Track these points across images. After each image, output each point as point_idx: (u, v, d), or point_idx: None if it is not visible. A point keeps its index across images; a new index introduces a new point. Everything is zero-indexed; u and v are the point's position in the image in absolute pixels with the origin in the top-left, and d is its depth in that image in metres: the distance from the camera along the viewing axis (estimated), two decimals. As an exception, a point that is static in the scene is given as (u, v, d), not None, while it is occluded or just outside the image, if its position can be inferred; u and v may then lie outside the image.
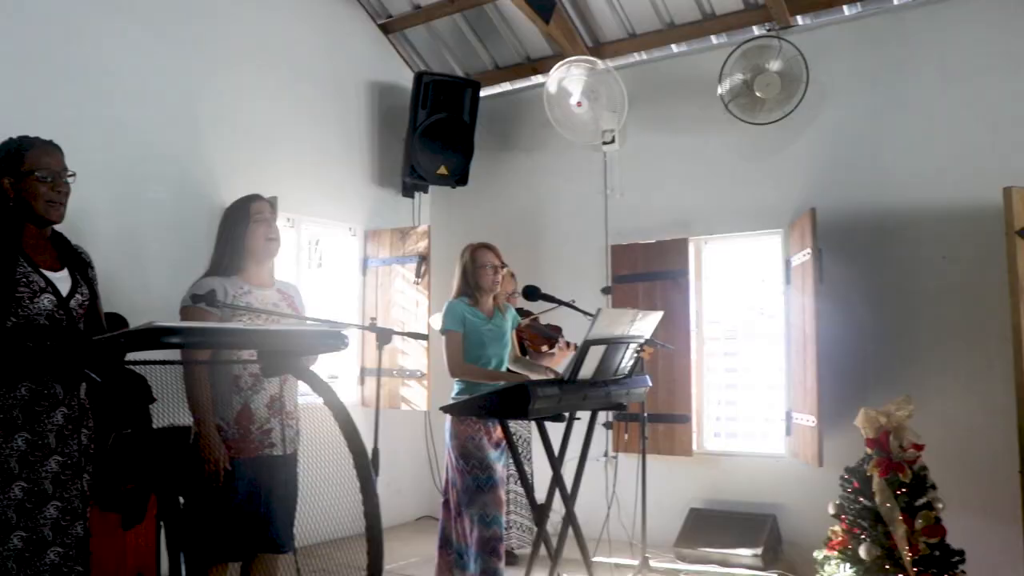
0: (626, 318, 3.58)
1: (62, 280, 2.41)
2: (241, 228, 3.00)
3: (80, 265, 2.53)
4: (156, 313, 4.44)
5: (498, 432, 3.98)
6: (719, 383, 5.52)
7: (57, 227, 2.50)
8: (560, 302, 4.11)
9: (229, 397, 2.88)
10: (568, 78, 5.42)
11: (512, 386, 3.27)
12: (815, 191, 4.96)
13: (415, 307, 5.71)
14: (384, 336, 3.06)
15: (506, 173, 6.32)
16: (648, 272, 5.44)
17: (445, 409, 3.54)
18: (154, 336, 1.95)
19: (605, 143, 5.60)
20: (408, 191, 6.34)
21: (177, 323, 2.06)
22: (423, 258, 5.71)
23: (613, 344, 3.56)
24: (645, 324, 3.75)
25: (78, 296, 2.43)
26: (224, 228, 3.05)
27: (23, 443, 2.26)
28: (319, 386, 2.43)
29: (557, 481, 3.67)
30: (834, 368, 4.64)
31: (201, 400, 2.83)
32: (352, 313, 5.97)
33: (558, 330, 4.89)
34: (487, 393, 3.35)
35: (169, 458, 2.94)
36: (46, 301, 2.32)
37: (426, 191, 6.35)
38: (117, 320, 4.18)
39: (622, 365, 3.77)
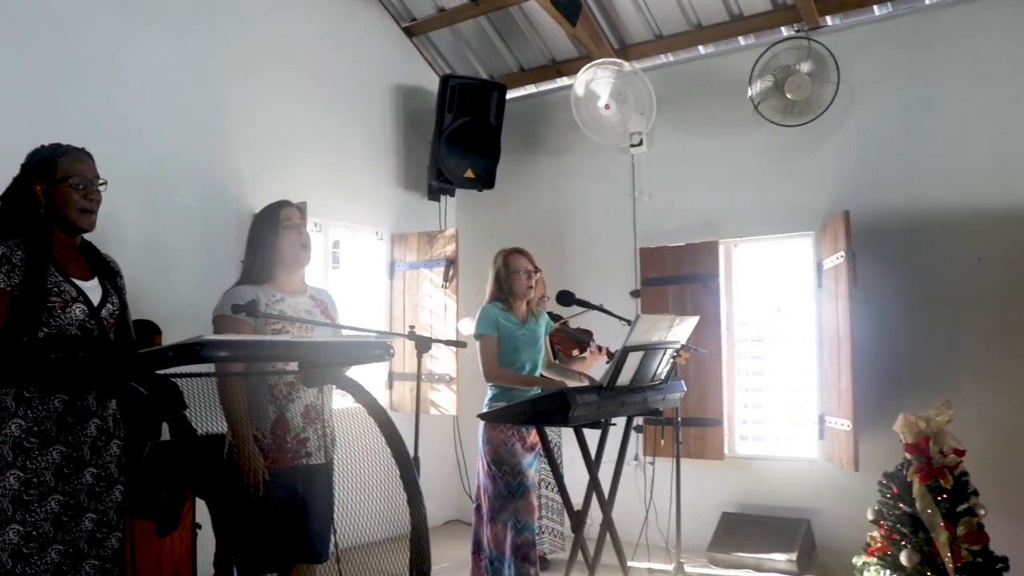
0: (664, 323, 3.57)
1: (93, 289, 2.39)
2: (271, 235, 2.97)
3: (110, 274, 2.52)
4: (184, 320, 4.50)
5: (532, 437, 3.97)
6: (749, 386, 5.48)
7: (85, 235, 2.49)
8: (594, 307, 4.09)
9: (264, 407, 2.84)
10: (595, 80, 5.39)
11: (552, 393, 3.26)
12: (847, 193, 4.92)
13: (443, 311, 5.70)
14: (424, 344, 3.04)
15: (532, 176, 6.30)
16: (678, 275, 5.41)
17: (484, 416, 3.52)
18: (203, 350, 1.97)
19: (633, 145, 5.57)
20: (434, 194, 6.33)
21: (225, 337, 2.06)
22: (451, 262, 5.70)
23: (651, 350, 3.55)
24: (682, 329, 3.73)
25: (109, 306, 2.42)
26: (254, 235, 3.02)
27: (58, 456, 2.25)
28: (362, 396, 2.44)
29: (595, 487, 3.66)
30: (868, 372, 4.61)
31: (237, 410, 2.79)
32: (379, 317, 5.98)
33: (588, 334, 4.87)
34: (527, 400, 3.33)
35: (217, 466, 2.93)
36: (78, 311, 2.31)
37: (452, 195, 6.33)
38: (148, 326, 4.19)
39: (659, 371, 3.76)
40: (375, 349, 2.41)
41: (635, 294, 5.64)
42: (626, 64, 5.38)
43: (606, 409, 3.47)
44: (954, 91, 4.71)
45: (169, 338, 4.32)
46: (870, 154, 4.92)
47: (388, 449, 2.39)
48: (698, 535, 5.02)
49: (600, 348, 4.67)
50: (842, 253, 4.50)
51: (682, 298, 5.40)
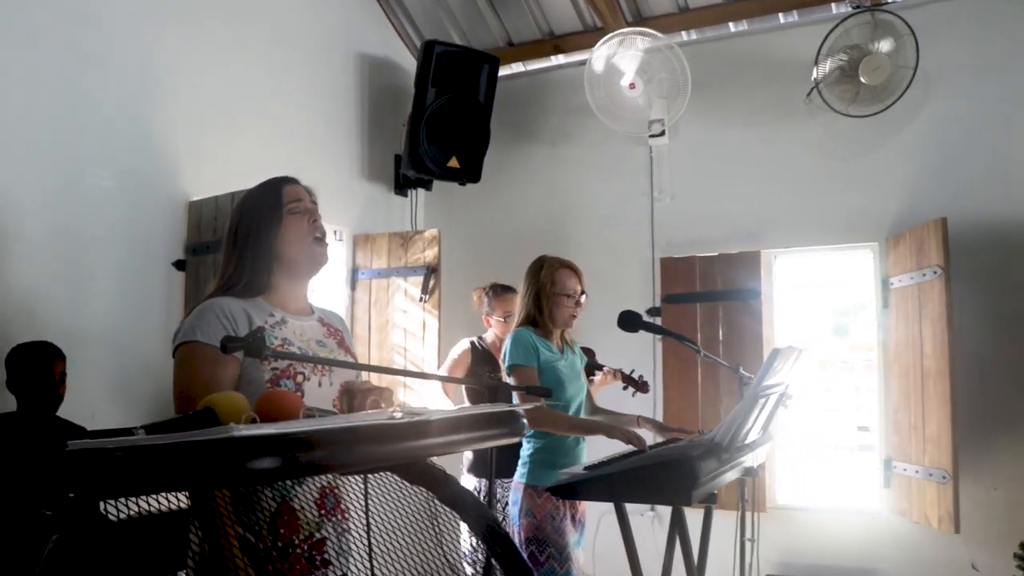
0: (792, 358, 2.67)
1: None
2: (269, 224, 1.91)
3: None
4: (97, 341, 3.25)
5: (581, 508, 3.03)
6: (794, 424, 4.64)
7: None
8: (669, 333, 3.15)
9: (257, 492, 1.76)
10: (619, 54, 4.47)
11: (673, 460, 2.28)
12: (921, 199, 4.18)
13: (421, 330, 4.63)
14: (503, 394, 2.03)
15: (521, 169, 5.31)
16: (709, 291, 4.54)
17: (559, 491, 2.47)
18: (251, 462, 0.95)
19: (653, 136, 4.68)
20: (402, 188, 5.26)
21: (279, 429, 1.00)
22: (432, 270, 4.63)
23: (773, 394, 2.66)
24: (799, 367, 2.86)
25: None
26: (241, 226, 1.94)
27: None
28: (465, 506, 1.43)
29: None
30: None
31: (215, 502, 1.69)
32: (339, 336, 4.85)
33: (591, 354, 3.98)
34: (631, 468, 2.33)
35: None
36: None
37: (429, 188, 5.27)
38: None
39: (771, 419, 2.88)
40: (506, 423, 1.40)
41: (653, 312, 4.74)
42: (659, 35, 4.47)
43: (720, 476, 2.54)
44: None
45: (80, 366, 3.11)
46: (951, 153, 4.18)
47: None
48: (743, 606, 4.14)
49: (616, 372, 3.79)
50: (937, 269, 3.73)
51: (713, 318, 4.53)
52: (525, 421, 1.46)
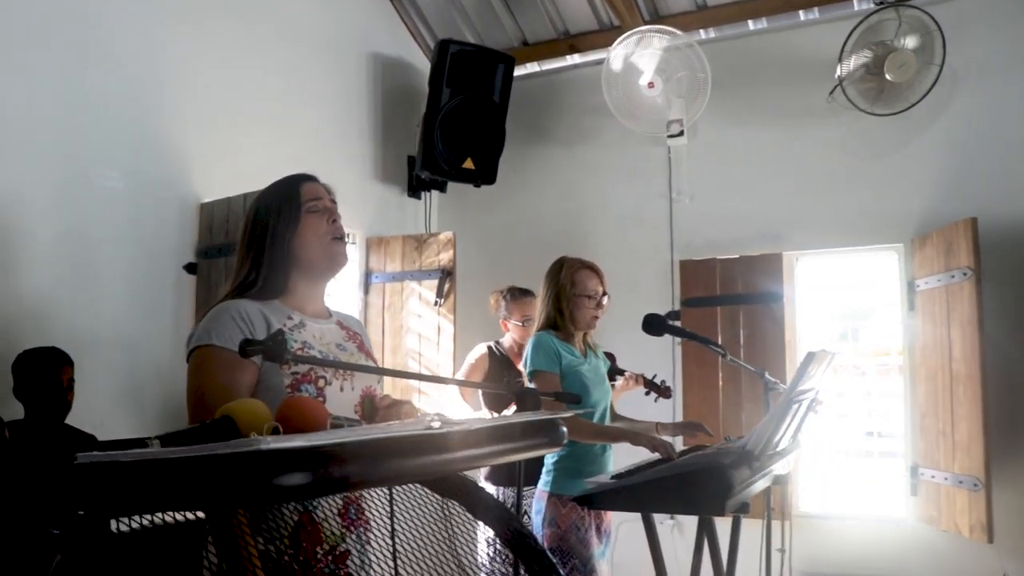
0: (825, 361, 2.58)
1: None
2: (287, 224, 1.83)
3: None
4: (106, 345, 3.18)
5: (607, 518, 2.94)
6: (816, 429, 4.54)
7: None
8: (695, 337, 3.06)
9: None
10: (637, 53, 4.39)
11: (703, 469, 2.19)
12: (947, 199, 4.07)
13: (436, 335, 4.54)
14: (532, 402, 1.95)
15: (536, 171, 5.22)
16: (730, 294, 4.44)
17: (586, 501, 2.37)
18: (261, 480, 0.86)
19: (671, 136, 4.59)
20: (415, 190, 5.19)
21: (296, 441, 0.91)
22: (447, 273, 4.55)
23: (805, 399, 2.57)
24: (831, 370, 2.77)
25: None
26: (257, 226, 1.86)
27: None
28: (497, 520, 1.35)
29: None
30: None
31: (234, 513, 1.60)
32: (352, 341, 4.76)
33: (613, 359, 3.88)
34: (660, 477, 2.25)
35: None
36: None
37: (444, 190, 5.19)
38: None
39: (802, 424, 2.79)
40: (546, 435, 1.31)
41: (673, 316, 4.64)
42: (679, 33, 4.38)
43: (753, 484, 2.45)
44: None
45: (89, 372, 3.04)
46: (977, 152, 4.07)
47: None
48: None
49: (638, 377, 3.69)
50: (967, 270, 3.63)
51: (734, 322, 4.44)
52: (565, 430, 1.38)
